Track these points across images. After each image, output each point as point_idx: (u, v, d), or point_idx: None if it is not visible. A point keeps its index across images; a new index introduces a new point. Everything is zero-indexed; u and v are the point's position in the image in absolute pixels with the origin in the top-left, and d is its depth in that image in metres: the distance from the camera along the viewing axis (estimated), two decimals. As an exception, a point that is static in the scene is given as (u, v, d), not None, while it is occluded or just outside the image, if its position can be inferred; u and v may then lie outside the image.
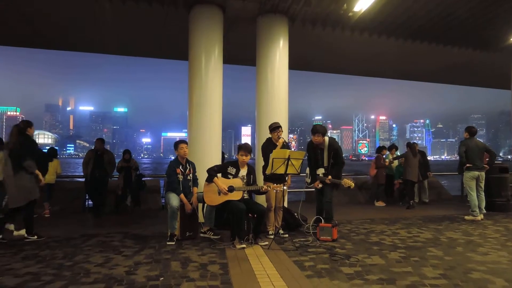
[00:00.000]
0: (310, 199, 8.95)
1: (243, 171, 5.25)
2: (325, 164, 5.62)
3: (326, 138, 5.66)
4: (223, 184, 5.01)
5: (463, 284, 3.37)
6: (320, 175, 5.65)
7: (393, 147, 10.09)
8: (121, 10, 7.44)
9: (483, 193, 7.32)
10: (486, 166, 7.39)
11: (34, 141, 5.63)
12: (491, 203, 8.21)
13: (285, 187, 5.28)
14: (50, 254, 4.44)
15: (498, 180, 8.26)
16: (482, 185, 7.31)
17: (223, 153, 7.80)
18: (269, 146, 5.61)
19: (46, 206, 7.45)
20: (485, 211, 7.28)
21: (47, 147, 8.42)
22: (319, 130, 5.61)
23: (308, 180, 5.93)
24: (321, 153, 5.65)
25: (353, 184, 5.41)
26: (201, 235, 5.30)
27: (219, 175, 5.20)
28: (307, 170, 5.97)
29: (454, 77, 13.75)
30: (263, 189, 5.05)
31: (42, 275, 3.65)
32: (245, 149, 5.23)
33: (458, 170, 7.98)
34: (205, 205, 5.38)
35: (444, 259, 4.22)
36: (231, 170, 5.20)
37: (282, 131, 5.70)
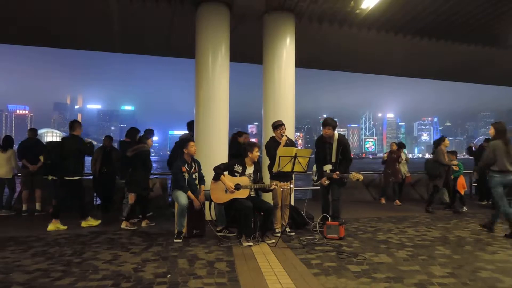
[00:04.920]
0: (317, 197, 8.93)
1: (250, 169, 5.26)
2: (333, 159, 5.61)
3: (336, 134, 5.66)
4: (230, 182, 5.02)
5: (472, 283, 3.35)
6: (328, 171, 5.64)
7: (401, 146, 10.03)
8: (128, 8, 7.47)
9: None
10: None
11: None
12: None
13: (291, 185, 5.29)
14: (59, 251, 4.48)
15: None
16: None
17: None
18: (273, 144, 5.62)
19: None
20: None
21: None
22: (329, 123, 5.62)
23: (315, 178, 5.92)
24: (330, 148, 5.64)
25: (362, 177, 5.39)
26: (218, 234, 5.31)
27: (226, 173, 5.21)
28: (314, 167, 5.96)
29: (463, 74, 13.58)
30: (270, 187, 5.06)
31: (51, 271, 3.69)
32: (259, 145, 5.38)
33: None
34: (212, 203, 5.40)
35: (453, 258, 4.20)
36: (238, 168, 5.21)
37: (285, 129, 5.68)
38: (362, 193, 9.94)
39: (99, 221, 6.33)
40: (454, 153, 8.47)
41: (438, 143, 8.07)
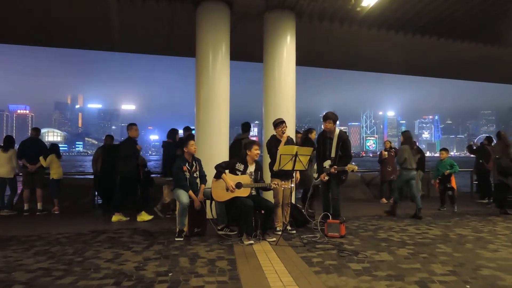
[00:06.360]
0: (317, 196, 8.93)
1: (251, 168, 5.26)
2: (333, 155, 5.63)
3: (337, 129, 5.67)
4: (231, 181, 5.02)
5: (473, 281, 3.35)
6: (327, 167, 5.65)
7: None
8: (128, 8, 7.47)
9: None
10: None
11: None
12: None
13: (292, 185, 5.30)
14: (61, 250, 4.49)
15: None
16: None
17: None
18: (273, 143, 5.62)
19: (55, 203, 7.54)
20: None
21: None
22: (330, 116, 5.65)
23: (315, 175, 5.93)
24: (330, 143, 5.66)
25: (356, 167, 5.51)
26: (219, 232, 5.32)
27: (227, 171, 5.21)
28: (315, 165, 5.97)
29: (464, 72, 13.56)
30: (271, 186, 5.06)
31: (53, 270, 3.70)
32: (258, 143, 5.38)
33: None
34: (213, 202, 5.41)
35: (453, 256, 4.20)
36: (239, 166, 5.21)
37: (286, 127, 5.70)
38: (363, 192, 9.95)
39: (151, 216, 6.72)
40: (445, 150, 8.48)
41: (499, 138, 7.57)
